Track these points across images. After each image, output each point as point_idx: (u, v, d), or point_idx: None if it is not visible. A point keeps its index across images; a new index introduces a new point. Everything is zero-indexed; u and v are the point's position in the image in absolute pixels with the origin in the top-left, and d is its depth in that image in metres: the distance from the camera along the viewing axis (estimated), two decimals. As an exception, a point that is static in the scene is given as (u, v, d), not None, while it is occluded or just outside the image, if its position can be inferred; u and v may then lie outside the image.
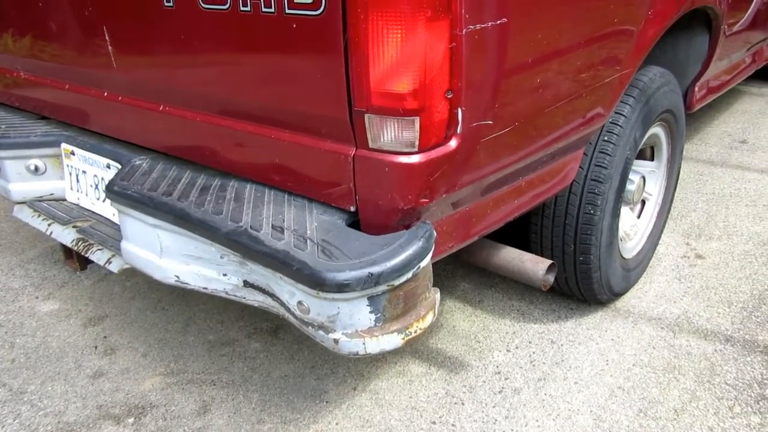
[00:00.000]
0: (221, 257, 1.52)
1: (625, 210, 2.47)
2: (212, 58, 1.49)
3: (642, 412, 2.05)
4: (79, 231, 1.98)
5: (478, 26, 1.25)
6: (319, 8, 1.22)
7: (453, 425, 2.04)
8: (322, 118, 1.34)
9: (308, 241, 1.34)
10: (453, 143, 1.31)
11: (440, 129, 1.26)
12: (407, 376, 2.26)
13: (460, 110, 1.28)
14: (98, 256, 1.87)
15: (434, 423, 2.05)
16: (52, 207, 2.19)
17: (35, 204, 2.21)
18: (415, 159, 1.26)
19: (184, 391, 2.21)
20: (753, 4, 2.86)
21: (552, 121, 1.62)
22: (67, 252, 2.26)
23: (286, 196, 1.53)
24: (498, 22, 1.30)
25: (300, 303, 1.35)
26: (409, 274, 1.29)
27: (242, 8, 1.36)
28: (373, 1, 1.14)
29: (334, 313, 1.31)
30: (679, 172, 2.78)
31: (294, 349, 2.41)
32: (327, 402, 2.15)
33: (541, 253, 2.30)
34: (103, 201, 2.04)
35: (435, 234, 1.35)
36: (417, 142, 1.24)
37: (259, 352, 2.40)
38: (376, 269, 1.24)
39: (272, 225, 1.41)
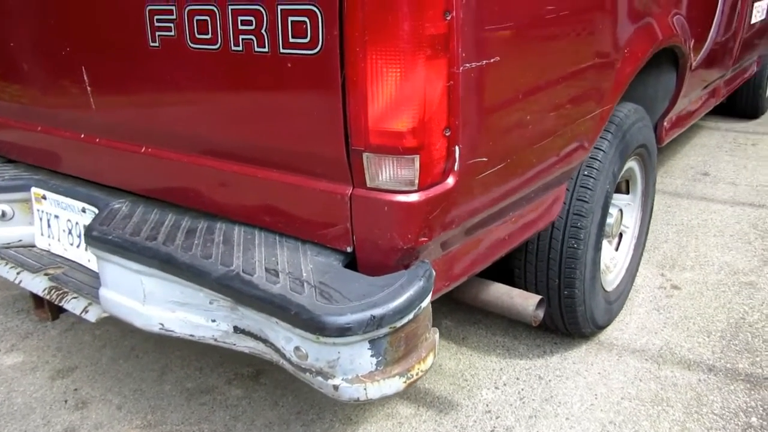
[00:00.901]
0: (210, 303, 1.47)
1: (604, 243, 2.50)
2: (201, 99, 1.46)
3: (634, 446, 2.03)
4: (52, 279, 1.89)
5: (473, 64, 1.25)
6: (316, 47, 1.21)
7: (446, 468, 1.98)
8: (316, 157, 1.31)
9: (305, 283, 1.30)
10: (450, 181, 1.30)
11: (439, 167, 1.25)
12: (396, 418, 2.20)
13: (457, 148, 1.28)
14: (73, 304, 1.79)
15: (427, 467, 1.99)
16: (20, 254, 2.09)
17: (2, 251, 2.11)
18: (414, 197, 1.24)
19: (163, 444, 2.11)
20: (708, 44, 2.98)
21: (541, 156, 1.63)
22: (38, 301, 2.16)
23: (277, 237, 1.49)
24: (491, 60, 1.31)
25: (297, 348, 1.30)
26: (411, 315, 1.26)
27: (234, 48, 1.34)
28: (371, 39, 1.14)
29: (334, 358, 1.26)
30: (653, 204, 2.84)
31: (277, 394, 2.33)
32: (315, 450, 2.08)
33: (525, 288, 2.30)
34: (77, 246, 1.96)
35: (434, 273, 1.33)
36: (416, 181, 1.22)
37: (240, 399, 2.31)
38: (378, 311, 1.21)
39: (266, 268, 1.36)
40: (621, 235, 2.73)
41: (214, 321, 1.50)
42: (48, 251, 2.04)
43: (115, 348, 2.64)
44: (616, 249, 2.73)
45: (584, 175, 2.15)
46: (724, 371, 2.35)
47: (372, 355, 1.27)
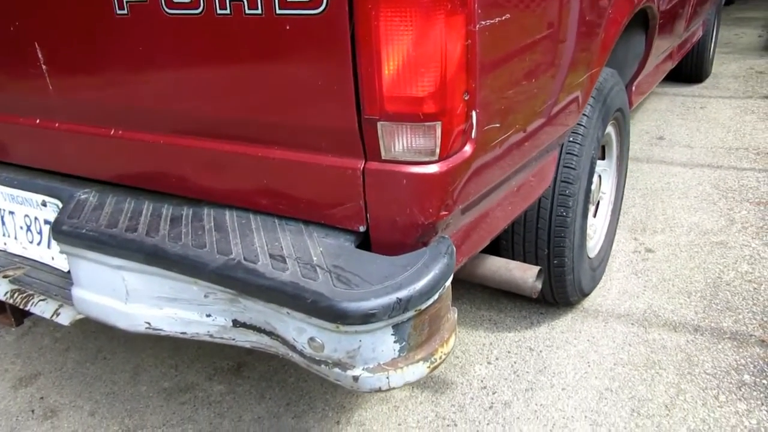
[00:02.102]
0: (205, 296, 1.33)
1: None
2: (181, 73, 1.31)
3: (635, 411, 2.02)
4: (13, 281, 1.71)
5: (488, 22, 1.16)
6: (320, 6, 1.08)
7: (450, 450, 1.92)
8: (322, 130, 1.19)
9: (317, 268, 1.18)
10: (468, 149, 1.21)
11: (459, 134, 1.15)
12: (391, 402, 2.12)
13: (474, 113, 1.18)
14: (42, 307, 1.62)
15: (430, 450, 1.92)
16: (-30, 256, 1.89)
17: (-52, 254, 1.90)
18: (435, 168, 1.14)
19: (147, 450, 1.97)
20: (671, 5, 2.98)
21: (543, 119, 1.56)
22: (-4, 306, 1.96)
23: (276, 220, 1.36)
24: (503, 17, 1.22)
25: (312, 340, 1.19)
26: (436, 296, 1.17)
27: (219, 11, 1.19)
28: (386, -6, 1.02)
29: (355, 347, 1.16)
30: (626, 169, 2.83)
31: (262, 387, 2.21)
32: (311, 442, 1.98)
33: (513, 258, 2.24)
34: (38, 244, 1.77)
35: (455, 249, 1.24)
36: (437, 150, 1.12)
37: (224, 394, 2.18)
38: (404, 294, 1.11)
39: (270, 254, 1.24)
40: (598, 201, 2.72)
41: (209, 316, 1.37)
42: (4, 251, 1.84)
43: (79, 350, 2.45)
44: (594, 215, 2.71)
45: (570, 141, 2.10)
46: (709, 331, 2.37)
47: (395, 341, 1.18)
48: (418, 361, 1.21)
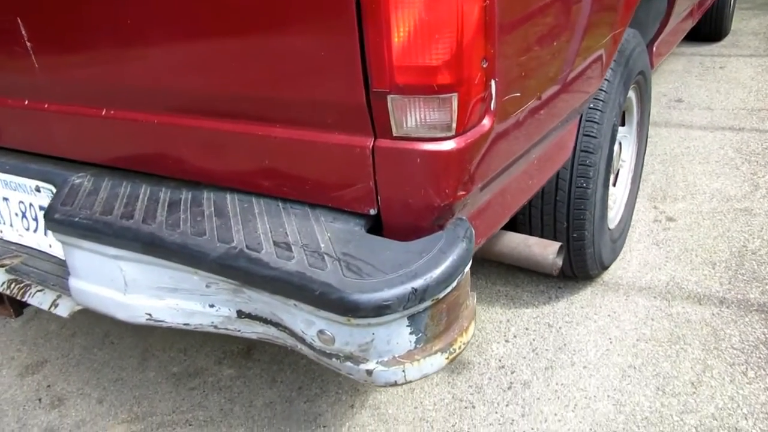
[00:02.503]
0: (207, 286, 1.25)
1: (608, 179, 2.36)
2: (175, 45, 1.20)
3: (660, 389, 1.94)
4: (10, 270, 1.63)
5: (506, -20, 1.04)
6: (321, -33, 0.97)
7: (469, 433, 1.85)
8: (327, 105, 1.09)
9: (326, 257, 1.09)
10: (486, 122, 1.10)
11: (477, 106, 1.05)
12: (407, 384, 2.05)
13: (493, 82, 1.07)
14: (39, 298, 1.54)
15: (448, 434, 1.85)
16: (-34, 244, 1.81)
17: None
18: (451, 145, 1.04)
19: (157, 438, 1.91)
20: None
21: (564, 85, 1.44)
22: (-6, 296, 1.89)
23: (279, 204, 1.27)
24: (522, -25, 1.10)
25: (321, 332, 1.11)
26: (454, 283, 1.08)
27: (212, -23, 1.08)
28: (394, -49, 0.91)
29: (368, 340, 1.08)
30: (647, 135, 2.70)
31: (274, 370, 2.15)
32: (325, 426, 1.92)
33: (531, 233, 2.15)
34: (35, 231, 1.69)
35: (473, 231, 1.14)
36: (454, 124, 1.02)
37: (234, 379, 2.12)
38: (419, 283, 1.02)
39: (274, 242, 1.15)
40: (618, 170, 2.60)
41: (212, 306, 1.29)
42: (0, 239, 1.77)
43: (86, 336, 2.40)
44: (614, 184, 2.60)
45: (591, 108, 1.98)
46: (736, 303, 2.27)
47: (411, 333, 1.09)
48: (435, 353, 1.12)
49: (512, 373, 2.06)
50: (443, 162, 1.04)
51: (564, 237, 2.12)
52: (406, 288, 1.02)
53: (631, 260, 2.59)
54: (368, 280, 1.03)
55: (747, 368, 1.99)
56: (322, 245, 1.13)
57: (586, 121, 1.98)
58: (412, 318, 1.08)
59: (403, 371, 1.11)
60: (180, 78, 1.23)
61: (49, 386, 2.17)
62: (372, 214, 1.16)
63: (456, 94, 0.99)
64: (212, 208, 1.28)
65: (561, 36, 1.34)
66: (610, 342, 2.15)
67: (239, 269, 1.13)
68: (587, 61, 1.56)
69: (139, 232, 1.25)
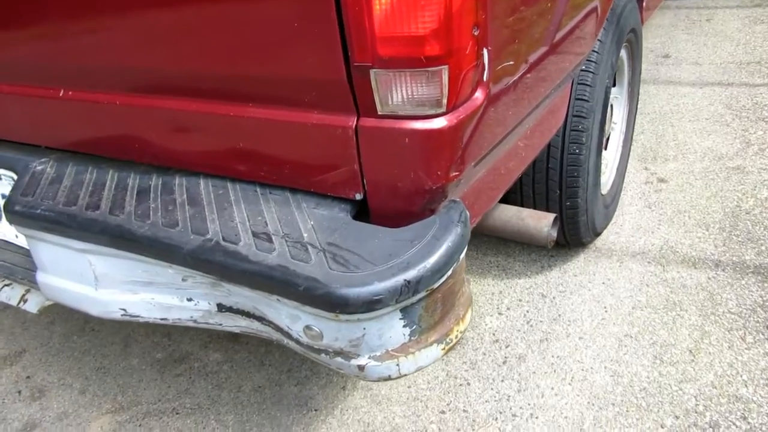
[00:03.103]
0: (183, 280, 1.16)
1: (600, 143, 2.28)
2: (135, 17, 1.09)
3: (657, 358, 1.90)
4: (-27, 264, 1.53)
5: (497, -64, 0.93)
6: (290, -74, 0.86)
7: (465, 411, 1.81)
8: (304, 82, 0.99)
9: (309, 247, 1.01)
10: (479, 95, 1.01)
11: (468, 78, 0.95)
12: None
13: (486, 51, 0.98)
14: (7, 293, 1.45)
15: (444, 412, 1.81)
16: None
17: None
18: (442, 122, 0.95)
19: (143, 428, 1.85)
20: None
21: (558, 49, 1.34)
22: (-40, 289, 1.79)
23: (257, 189, 1.17)
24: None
25: (308, 328, 1.03)
26: (450, 271, 1.00)
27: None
28: None
29: (359, 335, 1.00)
30: (638, 95, 2.62)
31: (261, 353, 2.08)
32: (316, 410, 1.86)
33: (521, 205, 2.07)
34: (-1, 220, 1.58)
35: (468, 213, 1.06)
36: (444, 100, 0.92)
37: (221, 363, 2.06)
38: (412, 274, 0.94)
39: (253, 232, 1.06)
40: (609, 133, 2.52)
41: (191, 300, 1.20)
42: (-39, 230, 1.66)
43: (65, 323, 2.31)
44: (605, 148, 2.52)
45: (583, 70, 1.89)
46: (731, 265, 2.23)
47: (405, 326, 1.02)
48: (431, 344, 1.05)
49: (507, 347, 2.01)
50: (434, 141, 0.95)
51: (556, 206, 2.05)
52: (398, 280, 0.94)
53: (623, 224, 2.53)
54: (356, 272, 0.95)
55: (745, 333, 1.95)
56: (305, 235, 1.04)
57: (578, 84, 1.89)
58: (405, 310, 1.00)
59: (398, 365, 1.04)
60: (142, 54, 1.12)
61: (28, 377, 2.09)
62: (358, 199, 1.07)
63: (446, 66, 0.89)
64: (185, 196, 1.19)
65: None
66: (605, 311, 2.11)
67: (215, 263, 1.04)
68: (581, 22, 1.46)
69: (106, 225, 1.15)
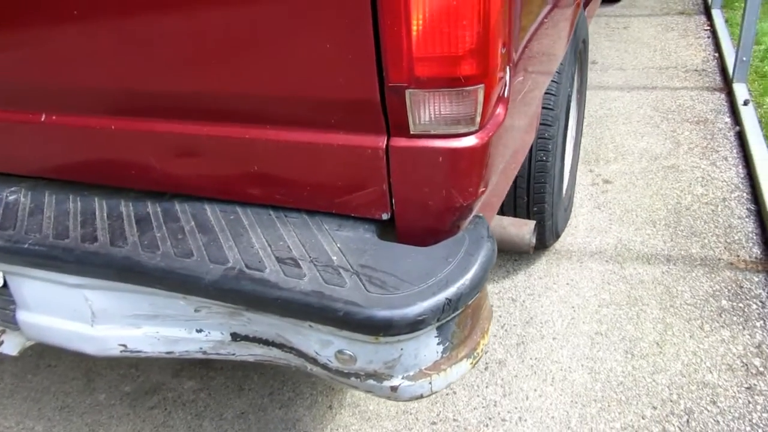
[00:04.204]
0: (196, 311, 1.11)
1: (559, 149, 2.36)
2: (142, 32, 1.03)
3: (628, 352, 1.99)
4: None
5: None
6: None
7: (455, 420, 1.82)
8: (333, 103, 0.97)
9: (341, 270, 0.99)
10: (500, 111, 1.03)
11: (496, 96, 0.97)
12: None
13: (508, 69, 1.00)
14: (-22, 337, 1.33)
15: (435, 423, 1.82)
16: None
17: None
18: (475, 140, 0.96)
19: (121, 468, 1.75)
20: None
21: (547, 59, 1.39)
22: None
23: (271, 212, 1.14)
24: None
25: (341, 352, 1.01)
26: (482, 287, 1.01)
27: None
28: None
29: (395, 356, 0.99)
30: (585, 100, 2.74)
31: (239, 377, 2.02)
32: (305, 432, 1.82)
33: (491, 211, 2.11)
34: (-42, 257, 1.45)
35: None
36: (478, 118, 0.93)
37: (197, 392, 1.98)
38: (453, 292, 0.95)
39: (277, 258, 1.03)
40: (562, 137, 2.62)
41: (201, 331, 1.15)
42: None
43: (16, 361, 2.15)
44: (559, 153, 2.62)
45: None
46: (681, 259, 2.37)
47: (439, 343, 1.02)
48: (461, 360, 1.06)
49: (486, 353, 2.05)
50: (468, 158, 0.96)
51: (524, 212, 2.11)
52: (440, 299, 0.94)
53: (578, 225, 2.63)
54: (397, 294, 0.94)
55: (702, 322, 2.08)
56: (334, 258, 1.02)
57: (545, 93, 1.95)
58: (440, 328, 1.00)
59: (430, 383, 1.04)
60: (149, 75, 1.06)
61: (-19, 424, 1.93)
62: (384, 219, 1.06)
63: (482, 85, 0.91)
64: (192, 223, 1.14)
65: (551, 10, 1.28)
66: (574, 310, 2.18)
67: (241, 293, 1.00)
68: (564, 31, 1.51)
69: (110, 257, 1.08)
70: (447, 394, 1.90)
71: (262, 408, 1.89)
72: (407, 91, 0.91)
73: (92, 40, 1.07)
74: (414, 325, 0.92)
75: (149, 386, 2.00)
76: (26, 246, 1.15)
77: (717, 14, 4.76)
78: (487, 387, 1.92)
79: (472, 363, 1.09)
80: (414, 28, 0.87)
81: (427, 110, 0.92)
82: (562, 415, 1.81)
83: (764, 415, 1.72)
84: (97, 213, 1.22)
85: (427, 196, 0.99)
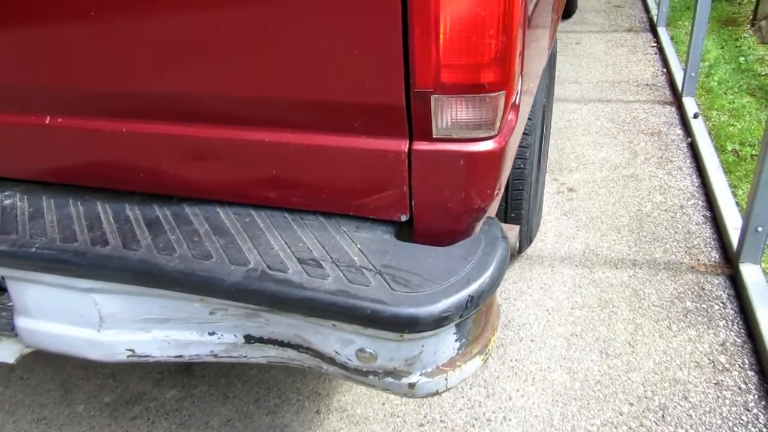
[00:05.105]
0: (211, 313, 1.12)
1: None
2: (160, 32, 1.03)
3: (603, 353, 2.07)
4: None
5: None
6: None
7: (442, 421, 1.86)
8: (356, 108, 1.00)
9: (364, 270, 1.02)
10: (512, 116, 1.08)
11: (512, 101, 1.02)
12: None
13: (521, 76, 1.05)
14: (-31, 345, 1.29)
15: (422, 425, 1.85)
16: None
17: None
18: (492, 145, 1.01)
19: (107, 480, 1.71)
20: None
21: (542, 68, 1.46)
22: None
23: (286, 215, 1.16)
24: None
25: (362, 351, 1.04)
26: (499, 284, 1.05)
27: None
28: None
29: (416, 353, 1.02)
30: (552, 111, 2.84)
31: (222, 385, 2.00)
32: (294, 438, 1.83)
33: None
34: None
35: (502, 229, 1.12)
36: (498, 123, 0.98)
37: (180, 400, 1.95)
38: (474, 289, 0.99)
39: (298, 259, 1.05)
40: (531, 146, 2.71)
41: (213, 334, 1.16)
42: None
43: (-15, 375, 2.07)
44: (528, 161, 2.71)
45: (525, 90, 2.03)
46: (646, 263, 2.48)
47: (456, 340, 1.06)
48: (474, 356, 1.10)
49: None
50: (487, 162, 1.00)
51: (501, 218, 2.18)
52: (463, 296, 0.97)
53: (547, 232, 2.73)
54: (421, 291, 0.98)
55: (670, 323, 2.19)
56: (356, 258, 1.04)
57: (522, 103, 2.03)
58: (458, 325, 1.04)
59: (446, 379, 1.08)
60: (165, 78, 1.06)
61: (-48, 441, 1.85)
62: (403, 220, 1.09)
63: (503, 92, 0.95)
64: (206, 226, 1.14)
65: (547, 18, 1.35)
66: (549, 313, 2.26)
67: (265, 293, 1.01)
68: (546, 39, 1.59)
69: (126, 260, 1.08)
70: (432, 397, 1.94)
71: (248, 415, 1.88)
72: (432, 97, 0.95)
73: (105, 40, 1.07)
74: (439, 322, 0.96)
75: (129, 396, 1.96)
76: (33, 250, 1.13)
77: (662, 32, 5.01)
78: (471, 388, 1.96)
79: (483, 359, 1.13)
80: (442, 36, 0.91)
81: (451, 115, 0.97)
82: (545, 414, 1.87)
83: (733, 408, 1.83)
84: (102, 216, 1.21)
85: (447, 198, 1.03)
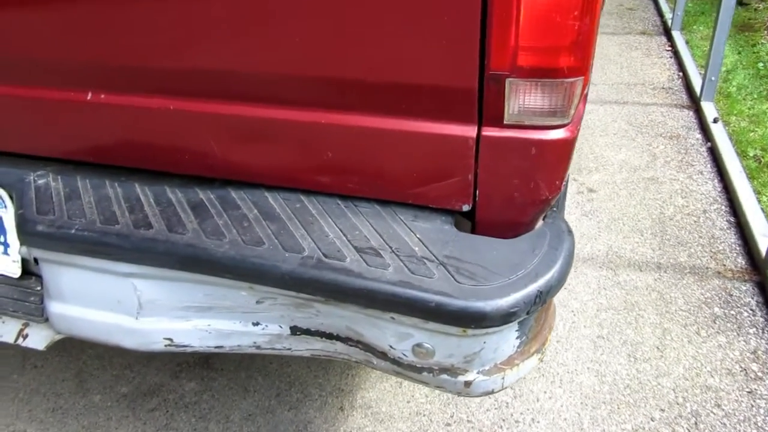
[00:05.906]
0: (258, 302, 1.07)
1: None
2: (208, 6, 0.98)
3: (631, 356, 2.03)
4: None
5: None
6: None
7: (469, 421, 1.82)
8: (423, 90, 0.95)
9: (426, 261, 0.97)
10: (581, 106, 1.03)
11: (587, 88, 0.97)
12: (393, 378, 1.97)
13: (591, 62, 1.00)
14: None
15: (449, 425, 1.80)
16: None
17: None
18: (564, 133, 0.96)
19: (126, 474, 1.66)
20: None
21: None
22: None
23: (339, 202, 1.11)
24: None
25: (419, 346, 0.99)
26: (566, 280, 1.01)
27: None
28: None
29: (476, 350, 0.98)
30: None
31: (242, 378, 1.95)
32: (318, 435, 1.78)
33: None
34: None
35: (565, 223, 1.08)
36: (572, 110, 0.93)
37: (199, 393, 1.90)
38: (543, 283, 0.94)
39: (356, 247, 1.00)
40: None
41: (257, 324, 1.11)
42: None
43: (-2, 361, 2.01)
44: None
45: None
46: (671, 267, 2.44)
47: (517, 337, 1.01)
48: (532, 354, 1.05)
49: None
50: (559, 151, 0.96)
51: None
52: (531, 291, 0.93)
53: (568, 232, 2.68)
54: (489, 285, 0.93)
55: (698, 328, 2.15)
56: (416, 248, 1.00)
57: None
58: (521, 322, 0.99)
59: (503, 378, 1.03)
60: (224, 56, 1.01)
61: (-36, 428, 1.79)
62: (465, 210, 1.04)
63: (581, 78, 0.91)
64: (255, 211, 1.09)
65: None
66: (574, 314, 2.21)
67: (321, 282, 0.96)
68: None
69: (173, 245, 1.02)
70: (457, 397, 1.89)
71: (269, 410, 1.83)
72: (507, 80, 0.90)
73: (155, 13, 1.02)
74: (506, 317, 0.91)
75: (147, 387, 1.91)
76: (72, 231, 1.07)
77: (677, 36, 4.97)
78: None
79: (540, 358, 1.08)
80: (523, 16, 0.86)
81: (525, 100, 0.92)
82: (574, 417, 1.82)
83: (768, 417, 1.79)
84: (142, 198, 1.16)
85: (515, 187, 0.98)
